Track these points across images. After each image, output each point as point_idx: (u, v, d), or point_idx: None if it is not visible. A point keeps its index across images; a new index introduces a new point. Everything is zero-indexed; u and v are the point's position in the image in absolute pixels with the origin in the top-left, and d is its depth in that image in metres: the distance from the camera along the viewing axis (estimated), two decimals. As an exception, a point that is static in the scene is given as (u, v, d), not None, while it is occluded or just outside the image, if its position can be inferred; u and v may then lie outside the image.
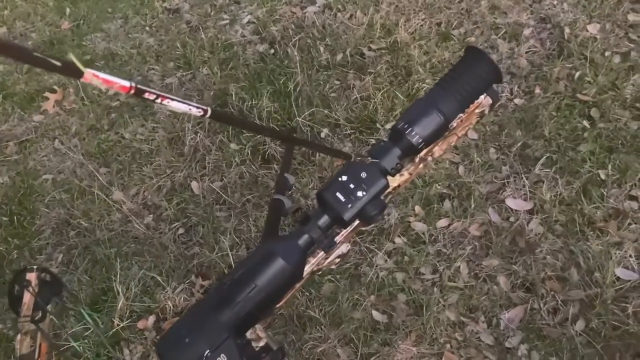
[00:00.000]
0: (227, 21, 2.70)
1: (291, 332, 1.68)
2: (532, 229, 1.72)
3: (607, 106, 1.93)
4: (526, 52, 2.17)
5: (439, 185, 1.87)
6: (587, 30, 2.16)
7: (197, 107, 0.42)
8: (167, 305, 1.80)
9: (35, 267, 1.49)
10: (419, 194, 1.86)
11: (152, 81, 2.55)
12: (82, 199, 2.20)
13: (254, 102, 2.24)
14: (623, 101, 1.94)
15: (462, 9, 2.37)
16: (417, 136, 0.76)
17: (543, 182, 1.81)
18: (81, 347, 1.74)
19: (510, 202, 1.80)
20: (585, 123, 1.91)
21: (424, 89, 2.09)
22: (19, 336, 1.44)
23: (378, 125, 2.07)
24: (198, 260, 1.90)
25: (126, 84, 0.37)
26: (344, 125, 2.10)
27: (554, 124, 1.93)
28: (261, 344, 0.83)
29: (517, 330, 1.57)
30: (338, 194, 0.75)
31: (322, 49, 2.37)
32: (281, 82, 2.28)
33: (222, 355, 0.66)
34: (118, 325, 1.78)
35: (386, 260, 1.76)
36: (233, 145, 2.16)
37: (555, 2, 2.29)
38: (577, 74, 2.03)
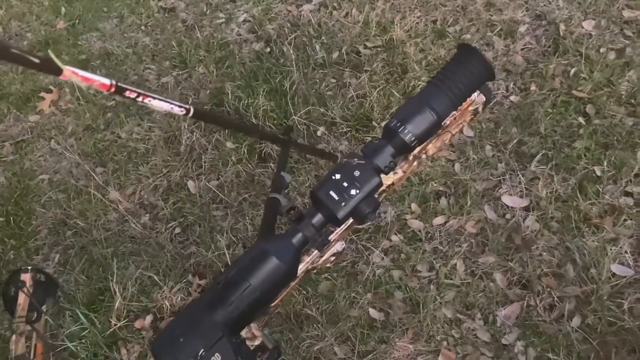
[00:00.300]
0: (223, 20, 2.69)
1: (288, 330, 1.68)
2: (528, 226, 1.73)
3: (602, 102, 1.93)
4: (522, 49, 2.17)
5: (435, 182, 1.87)
6: (583, 27, 2.16)
7: (179, 106, 0.42)
8: (164, 305, 1.80)
9: (29, 267, 1.49)
10: (415, 191, 1.86)
11: (148, 80, 2.55)
12: (78, 199, 2.19)
13: (250, 101, 2.24)
14: (618, 97, 1.94)
15: (457, 6, 2.37)
16: (410, 134, 0.76)
17: (539, 179, 1.81)
18: (77, 348, 1.74)
19: (506, 199, 1.80)
20: (581, 119, 1.92)
21: (420, 86, 2.09)
22: (13, 337, 1.44)
23: (374, 123, 2.07)
24: (195, 259, 1.90)
25: (106, 81, 0.37)
26: (340, 123, 2.10)
27: (549, 121, 1.93)
28: (256, 342, 0.84)
29: (513, 327, 1.58)
30: (332, 193, 0.75)
31: (318, 47, 2.36)
32: (277, 80, 2.28)
33: (217, 354, 0.66)
34: (115, 325, 1.78)
35: (383, 258, 1.76)
36: (229, 144, 2.16)
37: (550, -1, 2.30)
38: (573, 71, 2.03)
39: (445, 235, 1.78)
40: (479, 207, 1.81)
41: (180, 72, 2.52)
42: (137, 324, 1.79)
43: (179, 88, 2.46)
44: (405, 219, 1.83)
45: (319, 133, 2.11)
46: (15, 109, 2.64)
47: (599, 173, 1.78)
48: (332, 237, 0.86)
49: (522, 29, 2.22)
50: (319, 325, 1.67)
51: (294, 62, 2.31)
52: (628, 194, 1.74)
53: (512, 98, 2.04)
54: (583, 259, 1.63)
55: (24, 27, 3.12)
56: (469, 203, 1.80)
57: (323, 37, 2.39)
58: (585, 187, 1.76)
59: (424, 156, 0.90)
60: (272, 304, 0.84)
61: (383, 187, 0.82)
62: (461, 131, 1.87)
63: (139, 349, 1.75)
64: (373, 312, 1.67)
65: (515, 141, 1.91)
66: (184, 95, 2.42)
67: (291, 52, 2.37)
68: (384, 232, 1.81)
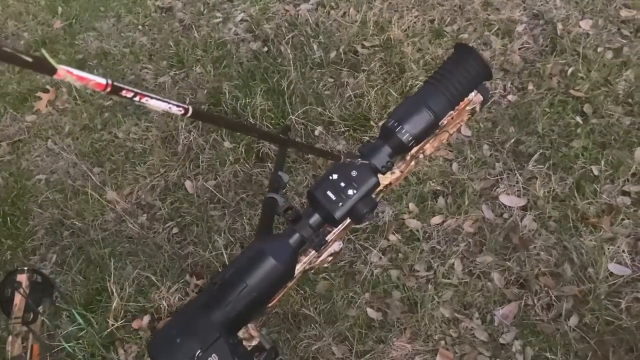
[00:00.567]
0: (220, 19, 2.69)
1: (286, 330, 1.68)
2: (525, 225, 1.73)
3: (599, 102, 1.93)
4: (519, 49, 2.17)
5: (432, 182, 1.87)
6: (580, 26, 2.16)
7: (178, 106, 0.41)
8: (161, 305, 1.79)
9: (25, 268, 1.49)
10: (412, 191, 1.86)
11: (145, 80, 2.54)
12: (75, 199, 2.19)
13: (247, 101, 2.23)
14: (616, 97, 1.94)
15: (455, 5, 2.37)
16: (407, 134, 0.76)
17: (536, 178, 1.81)
18: (75, 348, 1.74)
19: (503, 199, 1.80)
20: (578, 119, 1.92)
21: (418, 86, 2.09)
22: (10, 338, 1.44)
23: (372, 122, 2.06)
24: (192, 259, 1.90)
25: (102, 81, 0.36)
26: (337, 123, 2.10)
27: (547, 120, 1.94)
28: (254, 343, 0.83)
29: (511, 326, 1.58)
30: (329, 193, 0.75)
31: (315, 46, 2.36)
32: (275, 80, 2.28)
33: (214, 355, 0.66)
34: (113, 325, 1.77)
35: (380, 258, 1.76)
36: (227, 144, 2.16)
37: (547, -2, 2.30)
38: (570, 70, 2.03)
39: (442, 235, 1.78)
40: (477, 206, 1.81)
41: (177, 72, 2.52)
42: (135, 325, 1.79)
43: (176, 88, 2.46)
44: (403, 219, 1.82)
45: (316, 132, 2.10)
46: (12, 109, 2.63)
47: (596, 172, 1.78)
48: (329, 237, 0.85)
49: (520, 28, 2.23)
50: (316, 325, 1.67)
51: (291, 62, 2.30)
52: (625, 193, 1.74)
53: (509, 97, 2.04)
54: (580, 259, 1.63)
55: (20, 26, 3.11)
56: (466, 202, 1.80)
57: (320, 37, 2.39)
58: (582, 187, 1.76)
59: (421, 156, 0.90)
60: (270, 304, 0.84)
61: (380, 187, 0.82)
62: (459, 131, 1.87)
63: (136, 349, 1.75)
64: (371, 312, 1.67)
65: (512, 140, 1.91)
66: (182, 95, 2.41)
67: (289, 51, 2.36)
68: (381, 231, 1.81)
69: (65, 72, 0.34)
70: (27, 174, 2.36)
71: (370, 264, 1.75)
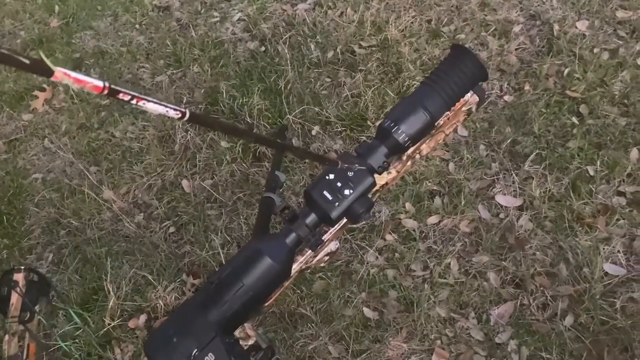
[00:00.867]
0: (218, 19, 2.69)
1: (282, 329, 1.68)
2: (521, 225, 1.73)
3: (595, 103, 1.94)
4: (516, 49, 2.17)
5: (429, 182, 1.88)
6: (576, 27, 2.17)
7: (175, 109, 0.42)
8: (158, 304, 1.79)
9: (22, 267, 1.49)
10: (409, 191, 1.87)
11: (143, 79, 2.54)
12: (72, 198, 2.19)
13: (244, 100, 2.23)
14: (612, 97, 1.95)
15: (452, 6, 2.37)
16: (404, 134, 0.77)
17: (532, 178, 1.82)
18: (71, 348, 1.74)
19: (500, 199, 1.81)
20: (574, 119, 1.93)
21: (415, 86, 2.09)
22: (6, 337, 1.44)
23: (369, 122, 2.07)
24: (189, 258, 1.90)
25: (99, 83, 0.36)
26: (334, 122, 2.10)
27: (543, 121, 1.94)
28: (250, 342, 0.84)
29: (506, 325, 1.58)
30: (325, 192, 0.75)
31: (312, 46, 2.36)
32: (272, 79, 2.28)
33: (210, 354, 0.66)
34: (109, 324, 1.77)
35: (377, 257, 1.77)
36: (224, 143, 2.16)
37: (544, -1, 2.30)
38: (566, 71, 2.04)
39: (439, 235, 1.79)
40: (473, 206, 1.81)
41: (174, 71, 2.52)
42: (131, 324, 1.79)
43: (173, 87, 2.45)
44: (400, 219, 1.83)
45: (313, 132, 2.11)
46: (9, 108, 2.62)
47: (592, 173, 1.79)
48: (326, 236, 0.86)
49: (516, 29, 2.23)
50: (313, 324, 1.67)
51: (288, 61, 2.31)
52: (621, 194, 1.75)
53: (506, 98, 2.05)
54: (576, 258, 1.64)
55: (17, 25, 3.10)
56: (462, 202, 1.81)
57: (318, 37, 2.39)
58: (578, 187, 1.77)
59: (417, 156, 0.90)
60: (266, 304, 0.84)
61: (377, 187, 0.82)
62: (455, 131, 1.88)
63: (132, 348, 1.75)
64: (367, 311, 1.67)
65: (509, 141, 1.92)
66: (179, 95, 2.41)
67: (286, 51, 2.36)
68: (378, 231, 1.81)
69: (63, 75, 0.34)
70: (24, 173, 2.35)
71: (367, 263, 1.75)
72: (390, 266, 1.75)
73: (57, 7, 3.10)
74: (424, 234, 1.80)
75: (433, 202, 1.85)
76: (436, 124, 0.83)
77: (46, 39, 2.94)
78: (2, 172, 2.37)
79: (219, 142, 2.17)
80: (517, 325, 1.58)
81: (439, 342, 1.59)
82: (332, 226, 0.84)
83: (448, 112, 0.87)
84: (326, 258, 0.90)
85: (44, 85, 2.64)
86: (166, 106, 0.42)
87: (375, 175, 0.78)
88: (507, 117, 1.99)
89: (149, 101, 0.40)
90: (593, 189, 1.75)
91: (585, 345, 1.50)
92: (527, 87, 2.05)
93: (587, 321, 1.53)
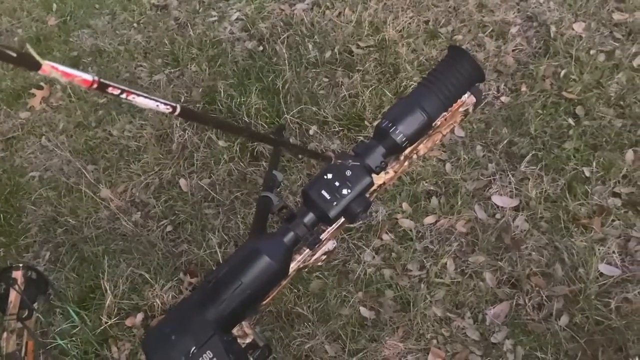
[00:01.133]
0: (216, 18, 2.69)
1: (279, 328, 1.69)
2: (517, 226, 1.74)
3: (592, 104, 1.95)
4: (513, 50, 2.18)
5: (426, 182, 1.89)
6: (573, 29, 2.18)
7: (165, 104, 0.42)
8: (155, 303, 1.80)
9: (21, 265, 1.49)
10: (406, 191, 1.88)
11: (140, 78, 2.54)
12: (69, 196, 2.19)
13: (242, 99, 2.24)
14: (607, 99, 1.96)
15: (449, 7, 2.38)
16: (401, 135, 0.77)
17: (529, 179, 1.83)
18: (68, 345, 1.74)
19: (496, 199, 1.82)
20: (571, 121, 1.94)
21: (412, 86, 2.10)
22: (4, 334, 1.44)
23: (366, 122, 2.07)
24: (186, 257, 1.90)
25: (88, 77, 0.36)
26: (332, 122, 2.11)
27: (539, 122, 1.95)
28: (248, 340, 0.84)
29: (502, 325, 1.59)
30: (323, 192, 0.76)
31: (310, 46, 2.37)
32: (270, 79, 2.28)
33: (208, 352, 0.67)
34: (106, 322, 1.78)
35: (374, 257, 1.77)
36: (221, 143, 2.16)
37: (541, 1, 2.31)
38: (563, 72, 2.05)
39: (435, 235, 1.79)
40: (470, 206, 1.82)
41: (172, 70, 2.52)
42: (128, 322, 1.79)
43: (171, 86, 2.46)
44: (397, 218, 1.84)
45: (311, 132, 2.11)
46: (6, 106, 2.62)
47: (587, 174, 1.80)
48: (323, 236, 0.86)
49: (514, 30, 2.24)
50: (310, 323, 1.68)
51: (286, 61, 2.31)
52: (616, 195, 1.76)
53: (502, 99, 2.06)
54: (571, 259, 1.65)
55: (14, 23, 3.10)
56: (459, 203, 1.82)
57: (316, 37, 2.39)
58: (574, 188, 1.78)
59: (415, 156, 0.91)
60: (263, 303, 0.85)
61: (374, 187, 0.83)
62: (452, 131, 1.88)
63: (129, 346, 1.75)
64: (364, 311, 1.68)
65: (505, 142, 1.92)
66: (176, 93, 2.41)
67: (284, 51, 2.37)
68: (375, 231, 1.82)
69: (50, 68, 0.34)
70: (21, 171, 2.35)
71: (364, 263, 1.76)
72: (386, 266, 1.75)
73: (54, 5, 3.09)
74: (420, 234, 1.80)
75: (430, 202, 1.86)
76: (433, 124, 0.83)
77: (44, 37, 2.93)
78: (-1, 170, 2.37)
79: (217, 141, 2.17)
80: (513, 325, 1.59)
81: (435, 341, 1.60)
82: (330, 225, 0.84)
83: (445, 113, 0.88)
84: (323, 257, 0.90)
85: (42, 84, 2.64)
86: (156, 100, 0.42)
87: (373, 175, 0.79)
88: (503, 118, 2.00)
89: (138, 95, 0.40)
90: (589, 190, 1.76)
91: (580, 345, 1.51)
92: (523, 88, 2.06)
93: (582, 321, 1.54)
